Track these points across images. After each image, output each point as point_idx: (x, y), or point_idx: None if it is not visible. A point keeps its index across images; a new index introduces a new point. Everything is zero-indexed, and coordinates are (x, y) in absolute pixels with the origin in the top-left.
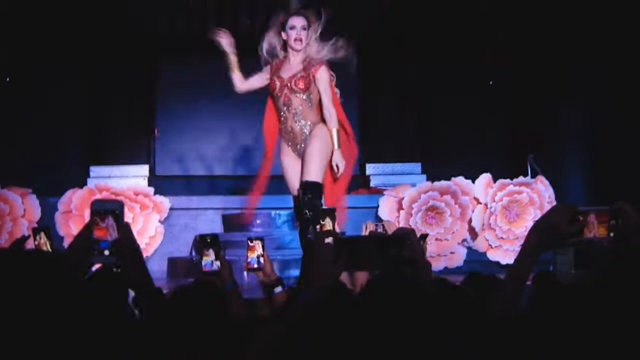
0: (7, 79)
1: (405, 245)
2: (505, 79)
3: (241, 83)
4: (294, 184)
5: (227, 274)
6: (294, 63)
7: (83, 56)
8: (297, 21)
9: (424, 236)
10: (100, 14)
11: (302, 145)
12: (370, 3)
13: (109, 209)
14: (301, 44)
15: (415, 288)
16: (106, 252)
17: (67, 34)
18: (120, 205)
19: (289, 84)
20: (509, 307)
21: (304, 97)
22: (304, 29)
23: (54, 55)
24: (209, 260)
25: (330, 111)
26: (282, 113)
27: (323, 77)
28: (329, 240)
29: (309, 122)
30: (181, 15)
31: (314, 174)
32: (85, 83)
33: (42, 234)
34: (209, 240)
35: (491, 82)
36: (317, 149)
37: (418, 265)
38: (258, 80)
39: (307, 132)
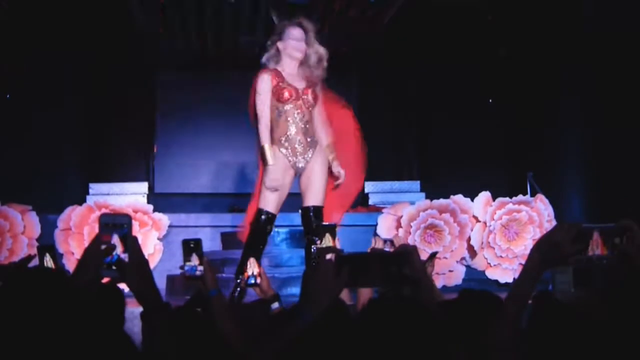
0: (7, 96)
1: (407, 262)
2: (504, 97)
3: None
4: (283, 193)
5: (210, 280)
6: (296, 73)
7: (82, 73)
8: (297, 32)
9: (433, 254)
10: (99, 31)
11: (302, 159)
12: (367, 20)
13: (117, 223)
14: (301, 53)
15: (415, 308)
16: (114, 266)
17: (66, 50)
18: (128, 219)
19: (305, 96)
20: (511, 326)
21: (315, 112)
22: (303, 40)
23: (53, 72)
24: (192, 265)
25: (328, 128)
26: (290, 123)
27: (321, 95)
28: (330, 256)
29: (315, 139)
30: (181, 31)
31: (322, 198)
32: (84, 100)
33: (48, 254)
34: (191, 245)
35: (490, 100)
36: (324, 172)
37: (419, 284)
38: (268, 101)
39: (314, 149)
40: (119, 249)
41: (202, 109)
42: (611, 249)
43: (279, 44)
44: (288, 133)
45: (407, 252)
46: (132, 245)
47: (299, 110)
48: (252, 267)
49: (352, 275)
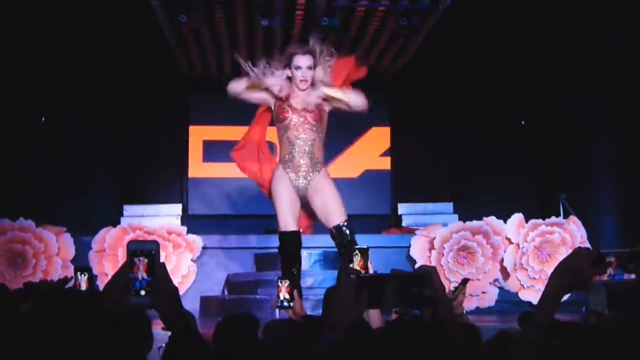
0: (43, 119)
1: (427, 283)
2: (536, 117)
3: (241, 89)
4: (293, 215)
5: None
6: (303, 94)
7: (117, 94)
8: (303, 61)
9: (466, 281)
10: (133, 54)
11: (304, 180)
12: (398, 44)
13: (145, 249)
14: (306, 84)
15: (434, 330)
16: (142, 292)
17: (101, 73)
18: (156, 246)
19: (304, 117)
20: (534, 352)
21: (318, 132)
22: (310, 68)
23: (88, 93)
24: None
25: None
26: (291, 145)
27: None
28: (352, 278)
29: (319, 160)
30: (213, 54)
31: (344, 211)
32: (118, 121)
33: (84, 276)
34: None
35: (523, 122)
36: (333, 188)
37: (439, 304)
38: (257, 96)
39: (318, 170)
40: (143, 274)
41: (236, 130)
42: (631, 271)
43: (288, 72)
44: (290, 154)
45: (426, 273)
46: (160, 272)
47: (299, 131)
48: (283, 291)
49: (372, 296)
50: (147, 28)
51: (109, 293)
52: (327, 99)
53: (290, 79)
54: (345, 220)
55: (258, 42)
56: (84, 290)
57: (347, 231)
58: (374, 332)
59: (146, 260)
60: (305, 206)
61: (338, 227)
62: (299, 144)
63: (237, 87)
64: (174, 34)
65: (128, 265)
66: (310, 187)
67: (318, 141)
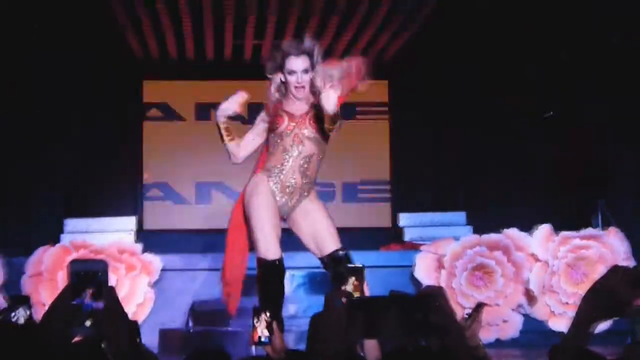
0: None
1: (433, 307)
2: (564, 110)
3: (239, 150)
4: (277, 237)
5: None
6: (294, 99)
7: (53, 82)
8: (297, 64)
9: (480, 305)
10: (74, 40)
11: (289, 201)
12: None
13: (90, 270)
14: (303, 91)
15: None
16: (88, 323)
17: (37, 61)
18: (103, 266)
19: (301, 121)
20: None
21: (319, 146)
22: (306, 71)
23: (23, 86)
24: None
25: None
26: (286, 155)
27: None
28: (342, 301)
29: (311, 181)
30: (172, 37)
31: (339, 239)
32: (56, 121)
33: (21, 308)
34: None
35: (551, 113)
36: (325, 212)
37: (449, 333)
38: (257, 136)
39: (307, 194)
40: (88, 299)
41: (200, 130)
42: None
43: (282, 77)
44: (282, 166)
45: (433, 295)
46: (108, 297)
47: (295, 142)
48: (262, 327)
49: (368, 323)
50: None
51: (49, 325)
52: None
53: (283, 83)
54: (342, 248)
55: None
56: (21, 324)
57: (345, 258)
58: None
59: (92, 284)
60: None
61: (334, 255)
62: (293, 156)
63: (233, 152)
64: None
65: (70, 290)
66: (297, 210)
67: (316, 158)
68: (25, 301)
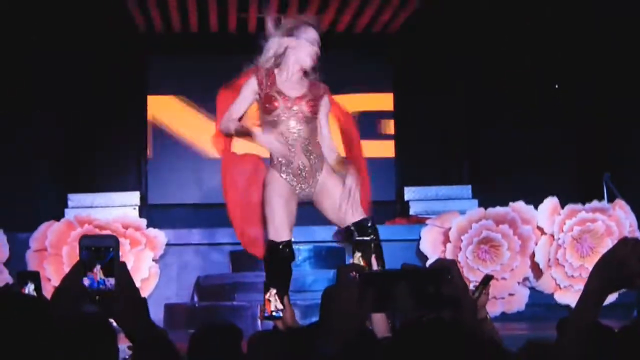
0: None
1: (445, 280)
2: (571, 82)
3: (234, 123)
4: (289, 224)
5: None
6: (295, 79)
7: (55, 60)
8: (316, 36)
9: (489, 278)
10: (77, 12)
11: (307, 185)
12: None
13: (101, 246)
14: (312, 62)
15: (457, 334)
16: (98, 298)
17: (38, 34)
18: (115, 242)
19: (296, 106)
20: None
21: (313, 126)
22: (319, 46)
23: (18, 61)
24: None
25: (332, 143)
26: (288, 141)
27: (328, 107)
28: (353, 275)
29: (319, 157)
30: (176, 11)
31: (361, 209)
32: (57, 95)
33: (30, 283)
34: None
35: (556, 85)
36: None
37: (461, 306)
38: (245, 106)
39: (320, 171)
40: (99, 275)
41: (204, 102)
42: None
43: (289, 41)
44: (285, 157)
45: (445, 268)
46: (120, 273)
47: (294, 124)
48: (274, 301)
49: (380, 298)
50: None
51: (59, 300)
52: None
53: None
54: (364, 219)
55: None
56: (32, 296)
57: (370, 229)
58: (380, 342)
59: (103, 259)
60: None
61: (361, 223)
62: (294, 141)
63: (228, 127)
64: None
65: (80, 266)
66: (317, 190)
67: (314, 135)
68: (34, 276)
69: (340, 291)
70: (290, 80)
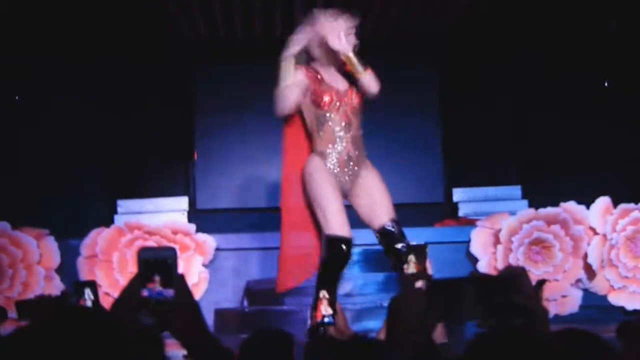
0: (17, 98)
1: (515, 288)
2: (624, 80)
3: (292, 94)
4: (346, 216)
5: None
6: (336, 73)
7: (103, 71)
8: (348, 22)
9: (542, 282)
10: (125, 20)
11: (348, 179)
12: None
13: (160, 258)
14: (350, 51)
15: (533, 344)
16: (157, 309)
17: (88, 42)
18: (173, 254)
19: (347, 99)
20: None
21: (361, 115)
22: (356, 34)
23: (69, 68)
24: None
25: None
26: (336, 134)
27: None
28: (421, 284)
29: (363, 153)
30: (221, 17)
31: (393, 209)
32: (106, 100)
33: (88, 291)
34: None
35: (606, 84)
36: (382, 183)
37: (532, 315)
38: (300, 93)
39: (365, 166)
40: (158, 288)
41: (250, 106)
42: None
43: (322, 29)
44: (334, 146)
45: (514, 276)
46: (179, 285)
47: (343, 118)
48: (325, 306)
49: (447, 307)
50: None
51: (118, 312)
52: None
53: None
54: (394, 219)
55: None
56: (91, 308)
57: (397, 232)
58: (449, 354)
59: (161, 271)
60: None
61: (383, 228)
62: (344, 133)
63: (291, 96)
64: None
65: (139, 278)
66: (357, 184)
67: (360, 128)
68: (91, 286)
69: (408, 301)
70: (332, 73)
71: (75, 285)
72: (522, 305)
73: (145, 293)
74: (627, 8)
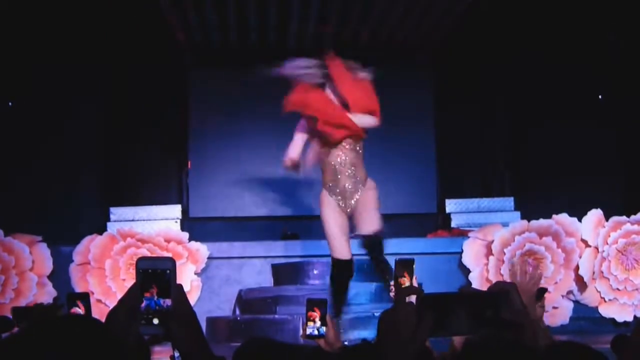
0: (10, 104)
1: (505, 304)
2: (614, 94)
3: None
4: (347, 241)
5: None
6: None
7: (97, 78)
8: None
9: (543, 291)
10: (116, 28)
11: (351, 202)
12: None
13: (158, 268)
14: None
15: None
16: (155, 321)
17: (81, 49)
18: (172, 264)
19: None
20: None
21: (359, 149)
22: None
23: (62, 80)
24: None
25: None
26: (335, 170)
27: None
28: (411, 299)
29: (363, 177)
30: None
31: (378, 223)
32: (100, 109)
33: (80, 303)
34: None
35: (600, 97)
36: (374, 200)
37: (522, 330)
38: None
39: (363, 186)
40: (156, 296)
41: (245, 115)
42: None
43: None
44: (336, 181)
45: (504, 292)
46: (177, 295)
47: (340, 154)
48: (317, 316)
49: (438, 321)
50: None
51: (115, 321)
52: None
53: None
54: (376, 233)
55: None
56: (86, 317)
57: (374, 243)
58: None
59: (159, 281)
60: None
61: (365, 238)
62: (342, 169)
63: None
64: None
65: (138, 288)
66: (358, 204)
67: (360, 159)
68: (84, 298)
69: (398, 315)
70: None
71: (68, 297)
72: (511, 321)
73: (143, 303)
74: (625, 19)
